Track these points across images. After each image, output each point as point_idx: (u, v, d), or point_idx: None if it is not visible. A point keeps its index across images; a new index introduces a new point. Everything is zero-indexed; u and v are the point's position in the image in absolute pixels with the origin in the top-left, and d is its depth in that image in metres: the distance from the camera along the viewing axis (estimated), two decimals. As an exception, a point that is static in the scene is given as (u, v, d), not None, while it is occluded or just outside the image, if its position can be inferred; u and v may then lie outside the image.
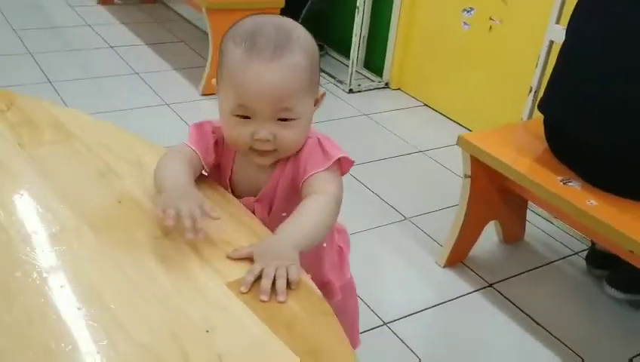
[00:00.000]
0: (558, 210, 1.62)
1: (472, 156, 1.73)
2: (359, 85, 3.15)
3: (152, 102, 2.74)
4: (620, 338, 1.70)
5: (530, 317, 1.73)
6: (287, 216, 0.89)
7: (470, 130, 2.70)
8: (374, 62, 3.28)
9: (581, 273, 1.95)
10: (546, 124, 1.65)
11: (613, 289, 1.79)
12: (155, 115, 2.64)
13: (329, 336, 0.73)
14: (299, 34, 0.91)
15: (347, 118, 2.87)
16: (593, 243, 1.94)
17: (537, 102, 1.74)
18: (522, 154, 1.69)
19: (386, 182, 2.34)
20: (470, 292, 1.81)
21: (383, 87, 3.20)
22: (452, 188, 2.06)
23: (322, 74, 3.24)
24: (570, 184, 1.56)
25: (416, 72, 3.11)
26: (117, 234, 0.87)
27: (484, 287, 1.84)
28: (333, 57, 3.47)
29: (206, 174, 1.01)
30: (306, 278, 0.81)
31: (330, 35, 3.48)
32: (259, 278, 0.78)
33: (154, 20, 3.81)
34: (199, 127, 1.00)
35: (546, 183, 1.56)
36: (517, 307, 1.77)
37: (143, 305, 0.75)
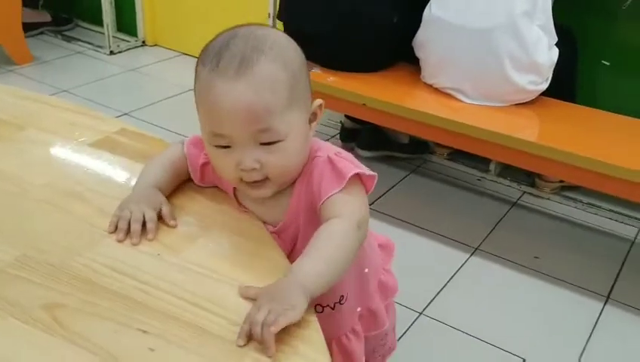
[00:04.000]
0: (309, 93, 2.09)
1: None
2: (118, 46, 3.35)
3: None
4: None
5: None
6: None
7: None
8: (126, 24, 3.48)
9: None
10: (285, 29, 2.10)
11: (361, 150, 2.33)
12: None
13: None
14: (274, 41, 0.80)
15: (114, 75, 3.08)
16: (342, 124, 2.47)
17: (276, 16, 2.19)
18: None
19: (171, 119, 2.62)
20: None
21: (142, 45, 3.44)
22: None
23: (79, 42, 3.38)
24: (313, 70, 2.03)
25: (168, 26, 3.39)
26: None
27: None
28: (85, 27, 3.58)
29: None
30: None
31: (78, 6, 3.59)
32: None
33: None
34: (198, 142, 0.91)
35: (295, 72, 2.02)
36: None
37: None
